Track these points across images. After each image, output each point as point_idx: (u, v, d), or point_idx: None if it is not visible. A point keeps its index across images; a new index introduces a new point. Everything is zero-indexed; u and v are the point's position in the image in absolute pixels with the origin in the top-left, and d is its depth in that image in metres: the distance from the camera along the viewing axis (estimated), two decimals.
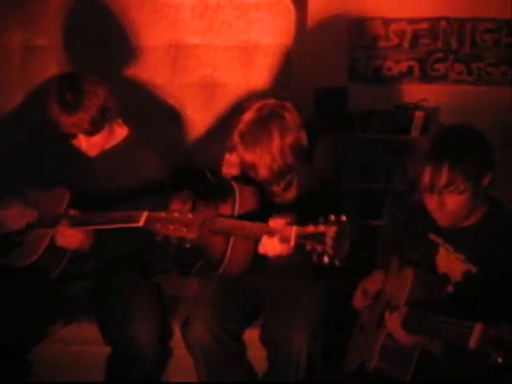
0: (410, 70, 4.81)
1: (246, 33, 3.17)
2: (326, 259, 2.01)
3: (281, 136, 2.30)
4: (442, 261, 2.16)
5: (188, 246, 2.21)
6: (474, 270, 2.07)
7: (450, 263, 2.13)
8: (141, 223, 2.24)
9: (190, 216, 2.20)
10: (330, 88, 4.64)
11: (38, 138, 2.72)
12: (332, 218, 2.04)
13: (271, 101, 2.37)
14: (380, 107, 4.71)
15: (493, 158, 2.06)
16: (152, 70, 3.18)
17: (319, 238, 2.03)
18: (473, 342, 1.79)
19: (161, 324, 2.48)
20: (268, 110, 2.33)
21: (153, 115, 3.16)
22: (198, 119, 3.21)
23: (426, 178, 2.01)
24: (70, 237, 2.39)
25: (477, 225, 2.11)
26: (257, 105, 2.36)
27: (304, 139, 2.36)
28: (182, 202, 2.34)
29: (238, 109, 2.53)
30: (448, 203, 2.04)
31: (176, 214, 2.21)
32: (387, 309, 2.10)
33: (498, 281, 2.02)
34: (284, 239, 2.16)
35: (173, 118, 3.21)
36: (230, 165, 2.58)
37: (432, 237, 2.19)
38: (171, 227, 2.20)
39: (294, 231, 2.12)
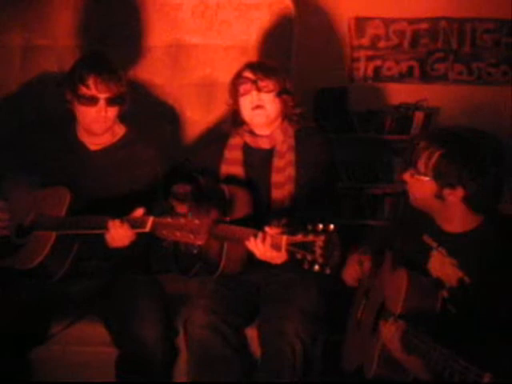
0: (410, 70, 4.81)
1: (245, 33, 3.17)
2: (316, 267, 2.03)
3: None
4: (435, 264, 2.13)
5: (195, 251, 2.20)
6: (466, 279, 2.04)
7: (445, 267, 2.10)
8: (147, 229, 2.23)
9: (197, 222, 2.16)
10: (330, 88, 4.65)
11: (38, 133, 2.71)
12: (320, 226, 2.04)
13: None
14: (380, 107, 4.71)
15: (475, 178, 1.99)
16: (152, 70, 3.18)
17: (309, 247, 2.04)
18: None
19: (167, 324, 2.48)
20: None
21: (152, 115, 3.16)
22: (198, 119, 3.21)
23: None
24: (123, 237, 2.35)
25: (472, 232, 2.08)
26: None
27: None
28: (184, 203, 2.33)
29: None
30: (411, 184, 2.12)
31: (182, 220, 2.18)
32: (382, 316, 2.08)
33: (491, 290, 1.97)
34: (275, 246, 2.18)
35: (172, 117, 3.21)
36: (230, 162, 2.60)
37: (426, 239, 2.18)
38: (178, 233, 2.17)
39: (284, 240, 2.13)
